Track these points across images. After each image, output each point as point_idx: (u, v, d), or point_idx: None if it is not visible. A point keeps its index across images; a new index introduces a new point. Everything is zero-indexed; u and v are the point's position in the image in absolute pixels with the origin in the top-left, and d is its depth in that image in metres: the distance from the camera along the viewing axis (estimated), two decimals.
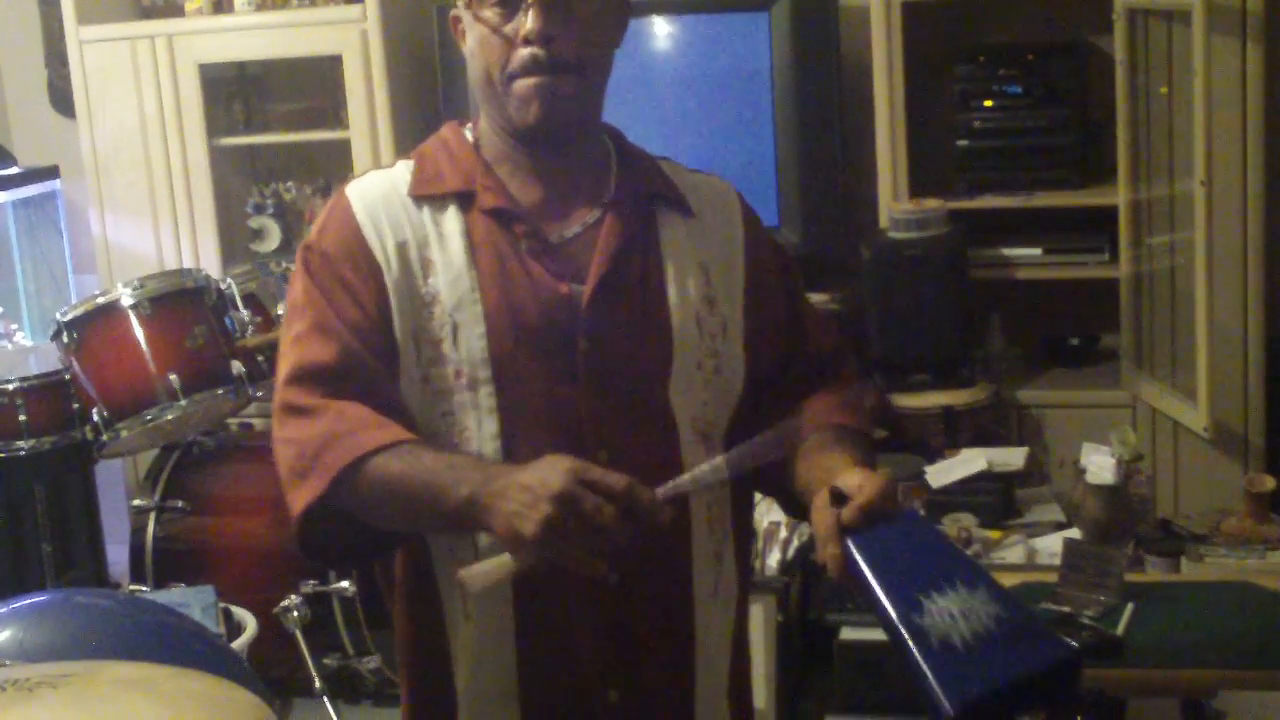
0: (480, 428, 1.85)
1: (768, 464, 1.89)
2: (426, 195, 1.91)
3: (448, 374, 1.85)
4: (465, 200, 1.90)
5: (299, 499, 1.81)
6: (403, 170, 1.94)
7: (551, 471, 1.66)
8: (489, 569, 1.73)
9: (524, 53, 1.83)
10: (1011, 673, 1.54)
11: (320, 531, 1.84)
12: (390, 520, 1.84)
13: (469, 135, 1.97)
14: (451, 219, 1.89)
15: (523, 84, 1.84)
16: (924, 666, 1.52)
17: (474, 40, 1.88)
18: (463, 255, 1.87)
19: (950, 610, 1.56)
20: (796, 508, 1.94)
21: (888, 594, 1.60)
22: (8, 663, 1.88)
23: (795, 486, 1.89)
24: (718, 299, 1.95)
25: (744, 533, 2.03)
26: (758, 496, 2.09)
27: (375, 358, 1.85)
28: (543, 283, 1.87)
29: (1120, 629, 2.76)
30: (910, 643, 1.55)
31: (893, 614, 1.58)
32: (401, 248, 1.87)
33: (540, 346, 1.86)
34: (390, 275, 1.86)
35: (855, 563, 1.65)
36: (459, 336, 1.85)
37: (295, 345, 1.86)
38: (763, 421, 1.90)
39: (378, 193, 1.91)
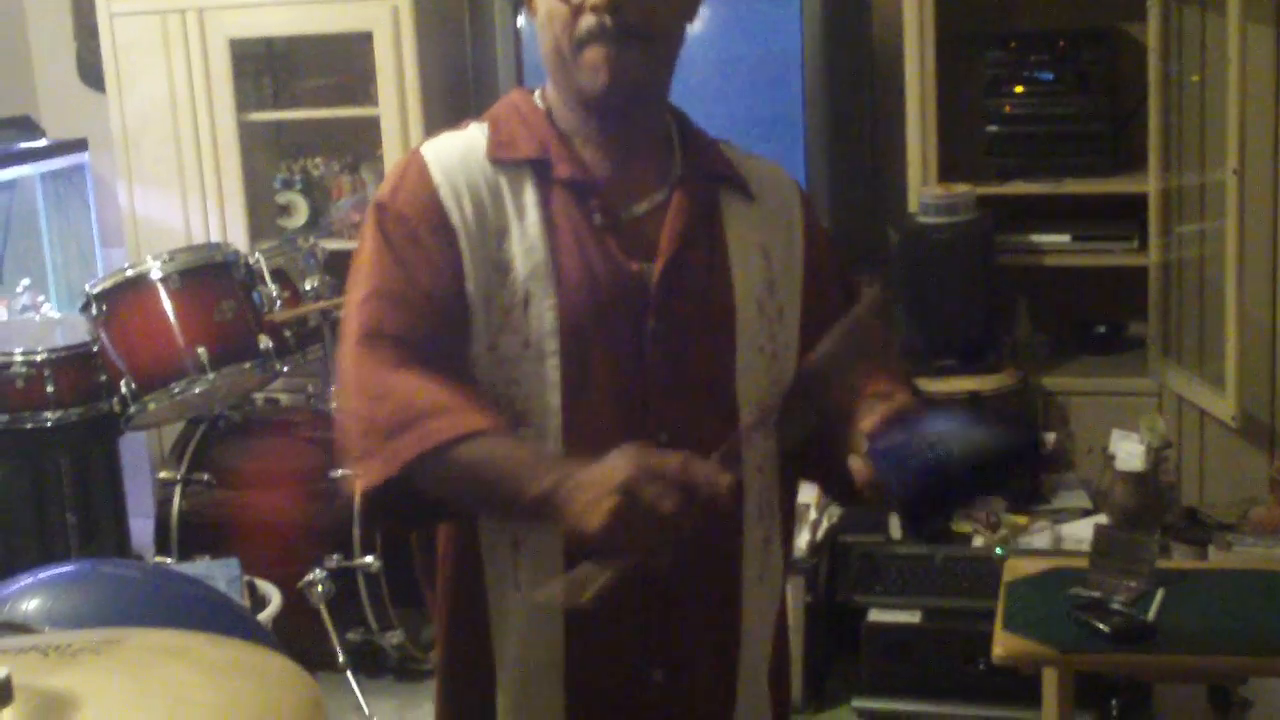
0: (544, 400, 1.82)
1: (813, 447, 1.88)
2: (503, 160, 1.88)
3: (515, 343, 1.83)
4: (540, 168, 1.88)
5: (363, 479, 1.78)
6: (477, 133, 1.91)
7: (615, 465, 1.64)
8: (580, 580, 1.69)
9: (590, 20, 1.81)
10: (959, 494, 1.86)
11: (383, 502, 1.81)
12: (460, 506, 1.82)
13: (539, 103, 1.94)
14: (528, 186, 1.87)
15: (591, 53, 1.82)
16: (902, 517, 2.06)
17: (543, 12, 1.86)
18: (538, 225, 1.85)
19: (928, 465, 1.75)
20: (839, 487, 1.92)
21: (887, 473, 1.78)
22: (46, 629, 1.89)
23: (836, 458, 1.86)
24: (777, 283, 1.93)
25: (789, 517, 2.02)
26: None
27: (446, 324, 1.82)
28: (615, 259, 1.85)
29: (1151, 614, 2.76)
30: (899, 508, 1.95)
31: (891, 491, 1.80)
32: (479, 210, 1.84)
33: (609, 323, 1.84)
34: (465, 238, 1.83)
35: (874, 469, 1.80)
36: (530, 306, 1.82)
37: (364, 306, 1.83)
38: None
39: (455, 154, 1.89)
